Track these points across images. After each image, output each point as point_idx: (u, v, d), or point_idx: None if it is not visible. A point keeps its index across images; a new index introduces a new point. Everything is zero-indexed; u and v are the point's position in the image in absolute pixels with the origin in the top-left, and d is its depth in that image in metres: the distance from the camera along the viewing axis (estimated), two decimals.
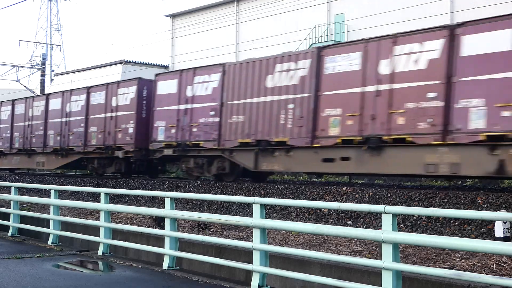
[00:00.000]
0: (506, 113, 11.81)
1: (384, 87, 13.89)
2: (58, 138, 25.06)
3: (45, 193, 18.95)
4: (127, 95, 22.12)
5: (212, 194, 16.35)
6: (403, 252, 8.92)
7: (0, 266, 9.84)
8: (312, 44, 32.29)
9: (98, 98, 23.52)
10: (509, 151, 11.87)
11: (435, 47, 13.07)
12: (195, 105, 18.90)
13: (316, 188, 14.40)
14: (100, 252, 11.22)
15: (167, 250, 9.79)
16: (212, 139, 18.24)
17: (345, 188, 13.90)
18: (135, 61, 43.60)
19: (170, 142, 19.72)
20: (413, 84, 13.40)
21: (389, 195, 12.73)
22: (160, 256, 10.33)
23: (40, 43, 58.05)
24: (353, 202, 12.98)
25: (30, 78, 56.38)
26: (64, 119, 25.05)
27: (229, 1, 40.08)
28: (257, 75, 17.03)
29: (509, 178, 14.05)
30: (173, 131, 19.66)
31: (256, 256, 8.29)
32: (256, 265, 8.27)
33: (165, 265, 9.75)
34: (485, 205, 11.11)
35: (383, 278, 6.86)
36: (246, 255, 9.24)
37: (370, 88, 14.18)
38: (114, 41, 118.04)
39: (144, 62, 44.01)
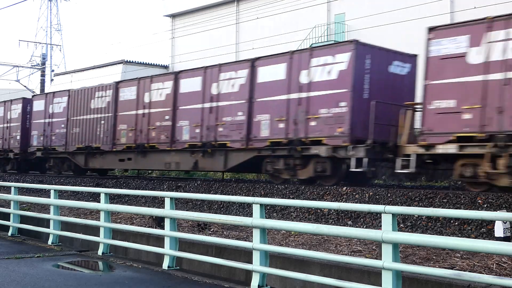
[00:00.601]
0: (197, 130, 18.98)
1: (146, 111, 21.26)
2: None
3: (45, 193, 18.95)
4: (16, 110, 29.60)
5: (212, 194, 16.36)
6: (403, 252, 8.92)
7: (0, 266, 9.84)
8: (312, 44, 32.29)
9: None
10: (199, 154, 18.96)
11: (169, 85, 20.43)
12: (54, 120, 26.43)
13: (316, 188, 14.41)
14: (100, 252, 11.22)
15: (167, 250, 9.78)
16: (62, 144, 25.55)
17: (345, 188, 13.90)
18: (135, 61, 43.61)
19: (40, 147, 27.20)
20: (159, 109, 20.66)
21: (389, 195, 12.73)
22: (160, 256, 10.33)
23: (40, 43, 58.05)
24: (353, 202, 12.98)
25: (30, 78, 56.53)
26: None
27: (229, 1, 40.05)
28: (86, 99, 24.44)
29: (200, 171, 21.97)
30: (41, 138, 27.07)
31: (256, 256, 8.28)
32: (256, 265, 8.27)
33: (165, 265, 9.75)
34: (485, 205, 11.11)
35: (383, 278, 6.86)
36: (246, 255, 9.24)
37: (140, 111, 21.55)
38: (114, 41, 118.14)
39: (144, 62, 44.01)
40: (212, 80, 18.62)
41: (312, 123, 15.59)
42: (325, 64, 15.45)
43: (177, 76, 20.11)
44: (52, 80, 54.78)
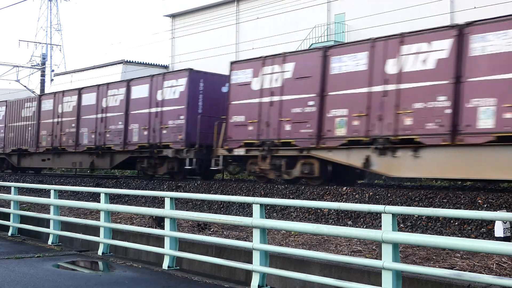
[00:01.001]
0: (93, 136, 23.31)
1: (59, 119, 25.54)
2: None
3: (45, 193, 18.95)
4: None
5: (212, 194, 16.36)
6: (403, 252, 8.92)
7: (0, 266, 9.84)
8: (312, 44, 32.27)
9: None
10: (94, 155, 23.20)
11: (74, 99, 24.80)
12: None
13: (316, 188, 14.40)
14: (100, 252, 11.21)
15: (167, 250, 9.78)
16: (1, 147, 30.08)
17: (345, 188, 13.90)
18: (135, 61, 43.59)
19: None
20: (68, 118, 25.06)
21: (389, 195, 12.73)
22: (160, 256, 10.33)
23: (40, 43, 57.96)
24: (353, 202, 12.98)
25: (30, 78, 56.47)
26: None
27: (229, 1, 40.05)
28: (18, 109, 29.03)
29: (95, 168, 25.95)
30: None
31: (256, 256, 8.28)
32: (256, 265, 8.27)
33: (165, 265, 9.75)
34: (485, 205, 11.11)
35: (383, 278, 6.86)
36: (246, 255, 9.24)
37: (55, 120, 25.72)
38: (114, 41, 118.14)
39: (144, 62, 44.00)
40: (102, 96, 23.04)
41: (164, 131, 20.07)
42: (172, 86, 19.96)
43: (80, 91, 24.56)
44: (52, 80, 54.79)
